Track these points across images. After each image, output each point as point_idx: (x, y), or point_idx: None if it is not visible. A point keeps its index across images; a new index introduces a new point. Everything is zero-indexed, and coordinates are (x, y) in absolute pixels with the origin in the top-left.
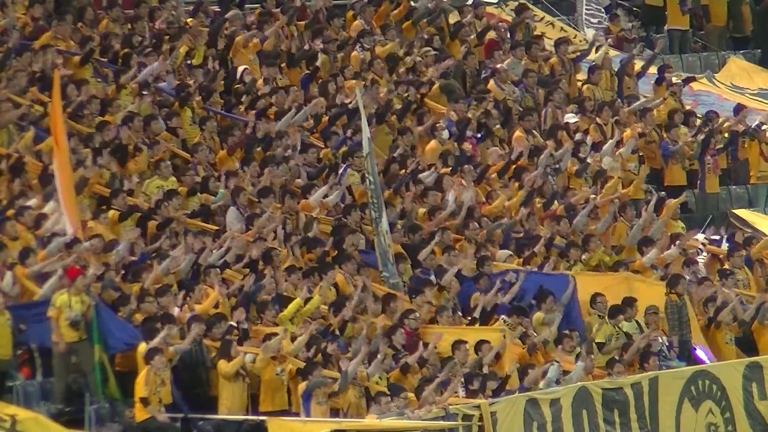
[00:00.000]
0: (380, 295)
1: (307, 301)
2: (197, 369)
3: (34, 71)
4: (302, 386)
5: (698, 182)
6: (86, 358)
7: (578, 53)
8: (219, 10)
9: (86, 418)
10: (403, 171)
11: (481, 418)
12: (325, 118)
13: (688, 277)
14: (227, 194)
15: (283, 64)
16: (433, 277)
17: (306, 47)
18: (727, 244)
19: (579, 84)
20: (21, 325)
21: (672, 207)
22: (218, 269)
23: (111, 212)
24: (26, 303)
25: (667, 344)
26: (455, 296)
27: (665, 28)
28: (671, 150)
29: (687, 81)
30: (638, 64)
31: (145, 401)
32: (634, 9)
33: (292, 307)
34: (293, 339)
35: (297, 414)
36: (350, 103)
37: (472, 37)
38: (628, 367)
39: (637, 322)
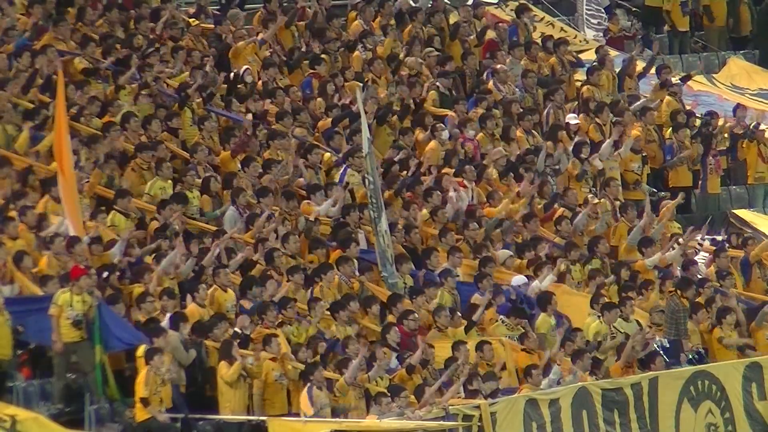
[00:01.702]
0: (378, 295)
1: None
2: (194, 370)
3: (35, 71)
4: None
5: (700, 183)
6: (86, 357)
7: (574, 55)
8: (219, 12)
9: (86, 418)
10: (404, 172)
11: (481, 418)
12: (327, 120)
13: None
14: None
15: (284, 67)
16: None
17: (304, 49)
18: (727, 244)
19: (578, 84)
20: (19, 327)
21: (671, 208)
22: (227, 269)
23: (111, 213)
24: (26, 297)
25: (668, 345)
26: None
27: (665, 28)
28: (675, 160)
29: (684, 80)
30: (639, 65)
31: (145, 401)
32: (634, 9)
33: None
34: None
35: (297, 416)
36: (352, 105)
37: (472, 37)
38: (627, 368)
39: (638, 321)
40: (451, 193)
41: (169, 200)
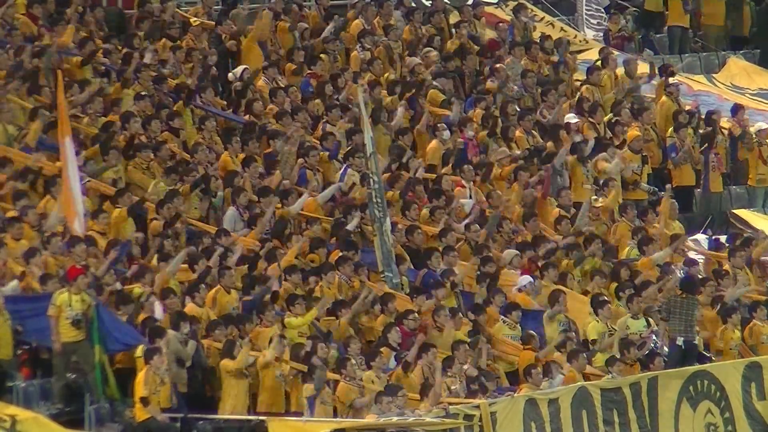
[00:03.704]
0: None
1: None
2: (194, 370)
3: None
4: (309, 388)
5: (702, 181)
6: (86, 357)
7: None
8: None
9: (86, 418)
10: (404, 172)
11: (481, 418)
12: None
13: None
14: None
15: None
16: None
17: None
18: (728, 244)
19: (577, 84)
20: (18, 327)
21: (668, 206)
22: (231, 271)
23: (115, 211)
24: (25, 297)
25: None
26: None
27: (665, 28)
28: (680, 156)
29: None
30: (642, 65)
31: (144, 401)
32: (633, 9)
33: (308, 317)
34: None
35: (295, 415)
36: (352, 104)
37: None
38: (627, 368)
39: (646, 319)
40: (463, 200)
41: (164, 199)
